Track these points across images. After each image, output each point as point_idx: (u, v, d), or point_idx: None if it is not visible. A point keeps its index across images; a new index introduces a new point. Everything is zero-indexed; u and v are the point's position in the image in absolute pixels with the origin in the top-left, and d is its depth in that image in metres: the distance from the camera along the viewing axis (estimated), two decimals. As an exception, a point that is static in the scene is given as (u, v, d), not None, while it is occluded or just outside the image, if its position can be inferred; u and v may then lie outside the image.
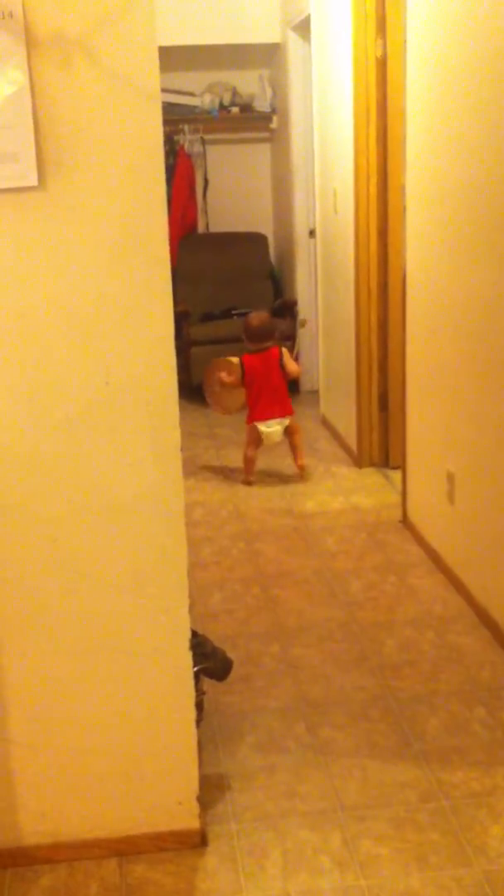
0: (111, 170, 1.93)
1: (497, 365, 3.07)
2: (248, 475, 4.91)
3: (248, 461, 4.90)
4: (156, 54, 1.90)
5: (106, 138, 1.91)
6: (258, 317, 4.95)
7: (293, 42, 6.13)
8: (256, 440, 4.87)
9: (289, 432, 4.91)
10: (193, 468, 5.11)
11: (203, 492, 4.79)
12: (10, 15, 1.85)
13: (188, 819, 2.30)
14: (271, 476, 5.00)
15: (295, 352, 5.16)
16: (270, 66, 6.75)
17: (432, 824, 2.36)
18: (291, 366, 4.91)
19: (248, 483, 4.89)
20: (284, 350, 4.94)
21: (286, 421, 4.86)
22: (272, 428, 4.84)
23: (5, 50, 1.86)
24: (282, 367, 4.86)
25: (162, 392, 2.05)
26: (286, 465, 5.10)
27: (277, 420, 4.84)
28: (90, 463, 2.07)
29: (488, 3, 2.97)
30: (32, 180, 1.91)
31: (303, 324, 6.35)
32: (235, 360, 4.94)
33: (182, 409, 2.11)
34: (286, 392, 4.91)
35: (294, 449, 4.94)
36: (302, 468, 4.93)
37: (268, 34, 6.38)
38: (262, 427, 4.84)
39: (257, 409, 4.86)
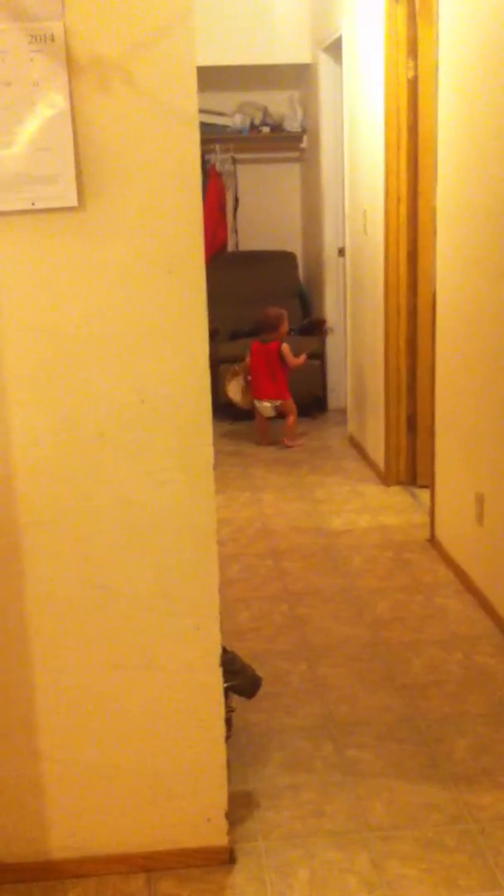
0: (149, 191, 1.96)
1: (527, 386, 3.08)
2: (262, 438, 6.07)
3: (259, 430, 6.11)
4: (194, 77, 1.92)
5: (144, 160, 1.94)
6: (263, 311, 6.08)
7: (324, 63, 6.18)
8: (259, 412, 6.08)
9: (284, 413, 6.03)
10: (220, 485, 5.12)
11: (230, 509, 4.81)
12: (52, 39, 1.89)
13: (216, 836, 2.30)
14: (297, 491, 5.02)
15: (299, 352, 6.09)
16: (301, 86, 6.80)
17: (460, 846, 2.35)
18: (291, 360, 6.01)
19: (260, 444, 6.03)
20: (284, 346, 5.99)
21: (277, 402, 6.02)
22: (264, 404, 6.03)
23: (46, 73, 1.90)
24: (281, 360, 5.97)
25: (196, 411, 2.07)
26: (309, 482, 5.14)
27: (269, 400, 6.01)
28: (123, 480, 2.09)
29: (521, 27, 2.99)
30: (72, 201, 1.94)
31: (328, 331, 6.71)
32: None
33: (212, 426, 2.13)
34: (283, 380, 6.03)
35: (286, 427, 6.03)
36: (286, 443, 5.98)
37: (299, 55, 6.44)
38: (257, 403, 6.03)
39: (254, 388, 6.07)
